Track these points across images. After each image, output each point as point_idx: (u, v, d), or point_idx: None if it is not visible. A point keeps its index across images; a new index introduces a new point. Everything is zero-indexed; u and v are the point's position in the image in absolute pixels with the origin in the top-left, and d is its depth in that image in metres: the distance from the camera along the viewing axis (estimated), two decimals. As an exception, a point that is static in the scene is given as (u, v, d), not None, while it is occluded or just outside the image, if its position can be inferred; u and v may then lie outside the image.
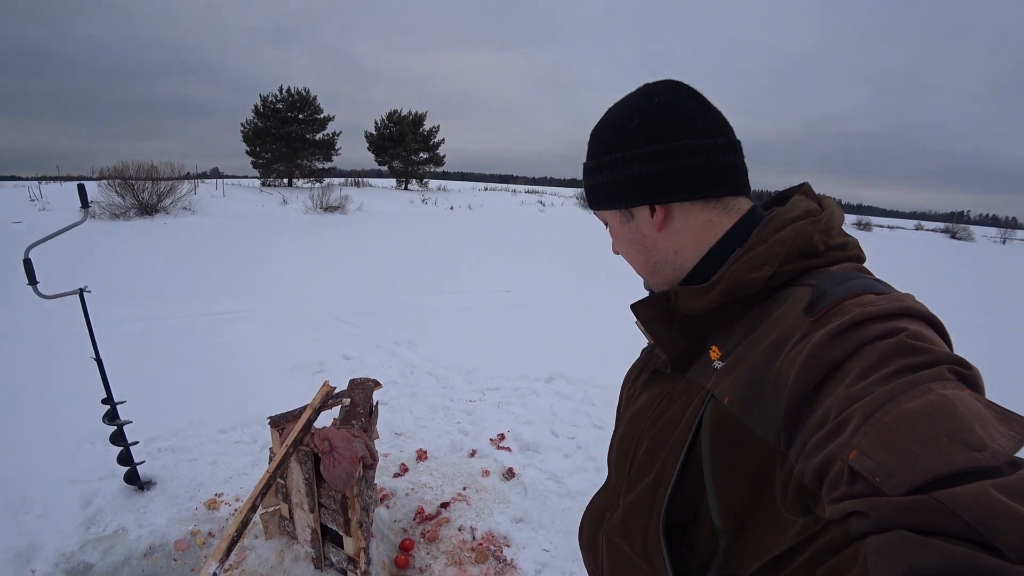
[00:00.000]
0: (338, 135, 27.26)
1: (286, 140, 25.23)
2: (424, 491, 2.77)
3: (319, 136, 26.82)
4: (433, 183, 32.62)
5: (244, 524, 1.91)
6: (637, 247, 0.72)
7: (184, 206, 17.61)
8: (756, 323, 0.59)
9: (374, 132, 29.86)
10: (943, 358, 0.43)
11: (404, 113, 29.83)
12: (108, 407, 2.82)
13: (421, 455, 3.10)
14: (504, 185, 44.33)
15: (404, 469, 2.95)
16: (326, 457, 1.93)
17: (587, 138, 0.74)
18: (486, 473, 2.96)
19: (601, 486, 0.86)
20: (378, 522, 2.43)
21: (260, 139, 25.16)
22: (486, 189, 35.76)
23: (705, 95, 0.69)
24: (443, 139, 30.38)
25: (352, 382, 2.31)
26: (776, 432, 0.49)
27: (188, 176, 23.19)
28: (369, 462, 2.01)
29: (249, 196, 21.67)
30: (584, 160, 0.75)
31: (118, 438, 2.81)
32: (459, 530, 2.49)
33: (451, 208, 24.96)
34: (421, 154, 29.87)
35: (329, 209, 20.29)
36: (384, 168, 30.69)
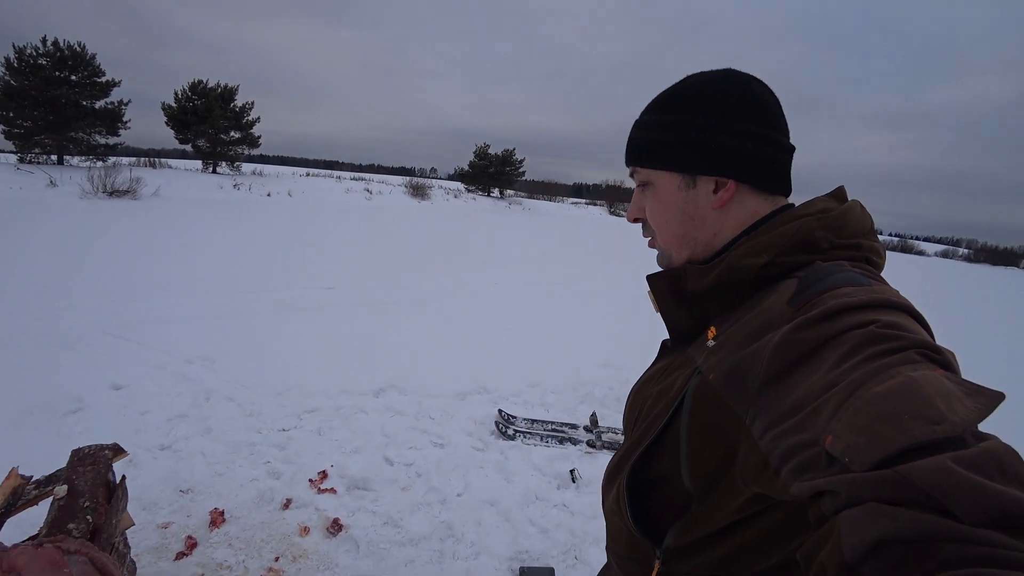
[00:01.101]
0: (126, 105, 22.73)
1: (53, 106, 20.09)
2: (220, 575, 2.11)
3: (100, 104, 22.11)
4: (247, 167, 29.04)
5: None
6: (682, 217, 0.72)
7: None
8: (749, 309, 0.62)
9: (174, 105, 25.53)
10: (912, 343, 0.45)
11: (211, 85, 26.02)
12: None
13: (216, 518, 2.40)
14: (328, 171, 41.34)
15: (192, 544, 2.24)
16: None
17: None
18: (305, 531, 2.38)
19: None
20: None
21: (15, 103, 19.66)
22: (308, 175, 32.95)
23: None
24: (258, 117, 27.01)
25: (74, 455, 1.57)
26: (747, 407, 0.53)
27: None
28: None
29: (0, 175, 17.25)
30: (642, 116, 0.76)
31: None
32: (265, 622, 1.91)
33: (268, 195, 22.47)
34: (232, 133, 26.29)
35: (116, 193, 16.90)
36: (188, 148, 26.52)
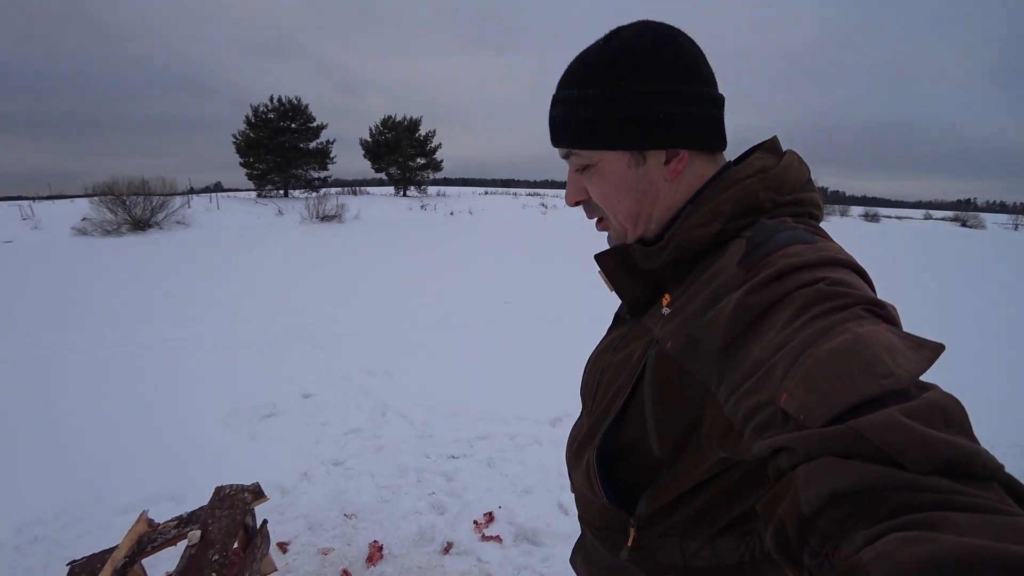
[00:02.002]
0: (332, 143, 26.54)
1: (279, 150, 24.52)
2: (369, 625, 1.86)
3: (313, 145, 26.11)
4: (432, 189, 31.75)
5: None
6: (635, 195, 0.68)
7: (178, 220, 16.99)
8: (700, 274, 0.62)
9: (369, 139, 29.07)
10: (858, 300, 0.46)
11: (399, 119, 29.02)
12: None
13: (374, 553, 2.19)
14: (505, 189, 43.04)
15: (345, 580, 2.04)
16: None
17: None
18: (464, 586, 2.04)
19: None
20: None
21: (253, 150, 24.45)
22: (486, 193, 34.75)
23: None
24: (440, 144, 29.48)
25: (217, 494, 1.41)
26: (710, 373, 0.54)
27: (191, 191, 23.17)
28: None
29: (244, 208, 20.90)
30: (568, 91, 0.67)
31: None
32: None
33: (451, 213, 24.04)
34: (418, 160, 29.03)
35: (325, 218, 19.44)
36: (382, 175, 29.87)
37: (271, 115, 24.86)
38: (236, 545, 1.37)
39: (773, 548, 0.40)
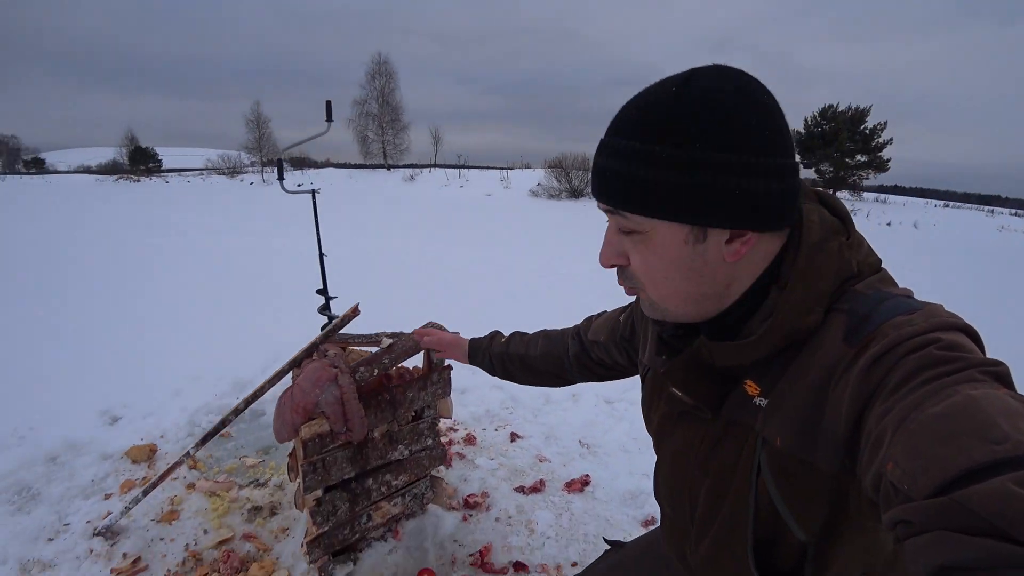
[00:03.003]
0: (767, 134, 25.64)
1: None
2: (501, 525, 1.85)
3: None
4: (869, 194, 26.87)
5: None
6: (688, 274, 0.59)
7: (604, 192, 19.91)
8: (794, 356, 0.57)
9: (803, 131, 26.36)
10: (973, 363, 0.43)
11: (841, 109, 25.26)
12: (323, 299, 2.87)
13: (578, 483, 2.12)
14: (978, 206, 32.60)
15: (532, 490, 2.08)
16: (287, 390, 1.35)
17: None
18: None
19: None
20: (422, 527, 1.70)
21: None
22: (947, 206, 27.38)
23: None
24: (890, 139, 24.34)
25: (425, 325, 1.62)
26: (839, 460, 0.51)
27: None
28: (337, 427, 1.32)
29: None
30: (627, 140, 0.55)
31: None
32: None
33: (887, 224, 19.97)
34: (857, 157, 24.85)
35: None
36: (812, 172, 26.90)
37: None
38: (422, 371, 1.63)
39: None
